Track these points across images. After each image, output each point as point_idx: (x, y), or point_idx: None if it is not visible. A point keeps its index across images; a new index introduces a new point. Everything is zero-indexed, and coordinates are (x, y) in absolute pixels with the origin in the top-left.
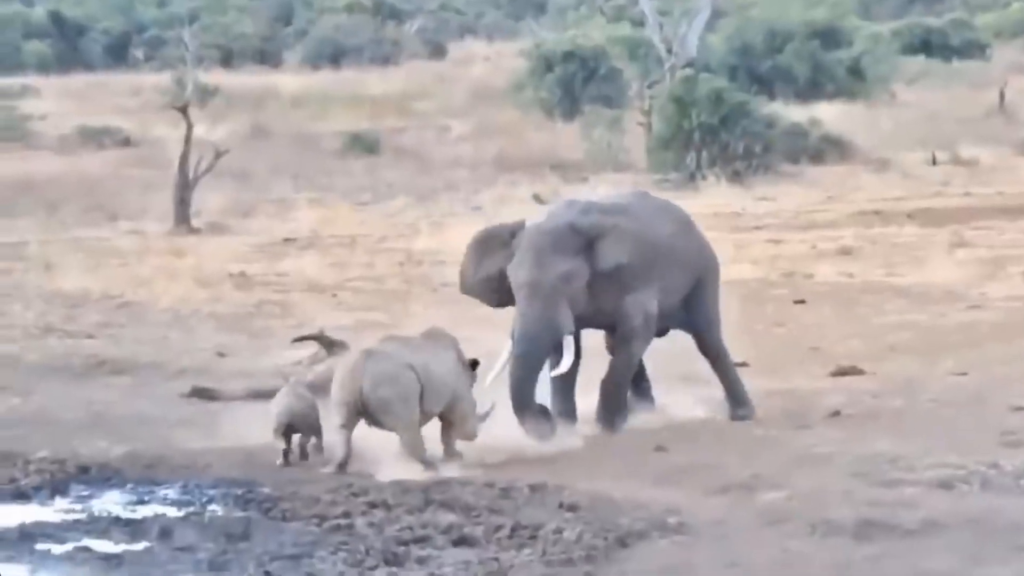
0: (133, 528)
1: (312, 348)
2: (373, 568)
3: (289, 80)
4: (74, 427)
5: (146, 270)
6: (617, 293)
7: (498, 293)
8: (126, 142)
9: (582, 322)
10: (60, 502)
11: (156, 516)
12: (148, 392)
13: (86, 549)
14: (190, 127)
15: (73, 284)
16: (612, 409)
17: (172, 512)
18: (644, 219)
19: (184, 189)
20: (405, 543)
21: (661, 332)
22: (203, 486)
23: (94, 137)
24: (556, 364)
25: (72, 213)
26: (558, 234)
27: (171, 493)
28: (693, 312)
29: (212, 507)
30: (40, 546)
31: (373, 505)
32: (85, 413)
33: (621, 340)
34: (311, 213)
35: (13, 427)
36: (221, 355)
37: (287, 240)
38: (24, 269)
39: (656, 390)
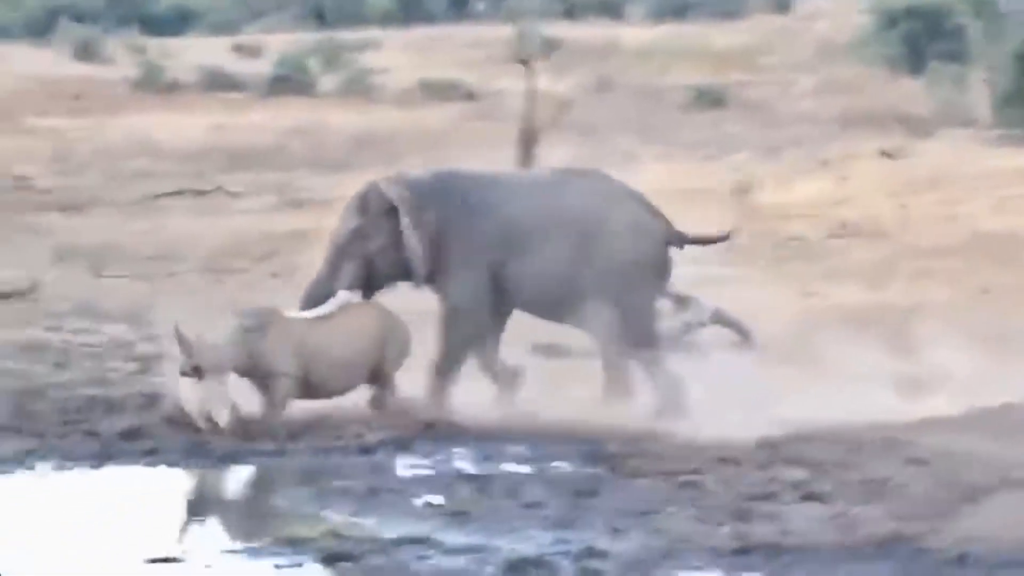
0: (480, 484)
1: (661, 303)
2: (721, 524)
3: (633, 33)
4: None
5: None
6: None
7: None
8: (469, 95)
9: None
10: (408, 458)
11: (504, 473)
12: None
13: (433, 504)
14: (534, 80)
15: None
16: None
17: (520, 469)
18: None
19: (528, 143)
20: (753, 499)
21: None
22: (551, 442)
23: (436, 91)
24: None
25: (414, 167)
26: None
27: (519, 450)
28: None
29: (559, 464)
30: (388, 501)
31: (722, 461)
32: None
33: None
34: (656, 166)
35: None
36: None
37: None
38: None
39: None
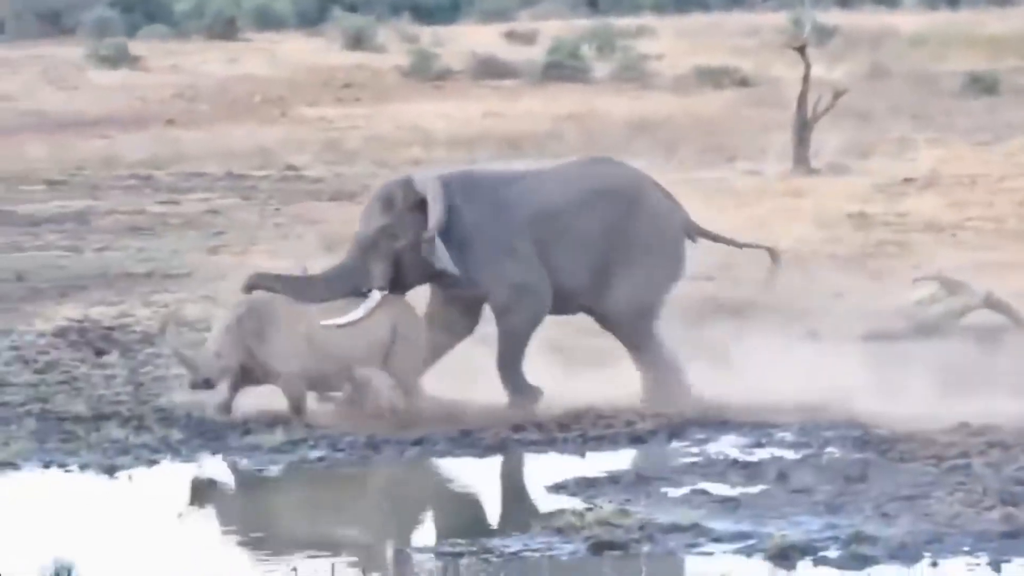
0: (750, 471)
1: (932, 288)
2: (990, 508)
3: (907, 20)
4: (691, 373)
5: (764, 211)
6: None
7: None
8: (743, 82)
9: None
10: (676, 445)
11: (773, 458)
12: (766, 334)
13: (703, 492)
14: (808, 67)
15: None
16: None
17: (789, 454)
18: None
19: (802, 129)
20: (1022, 483)
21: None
22: (820, 428)
23: (711, 77)
24: None
25: (689, 154)
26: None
27: (788, 436)
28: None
29: (829, 449)
30: (656, 489)
31: (991, 445)
32: (701, 356)
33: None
34: (930, 153)
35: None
36: (839, 296)
37: (906, 180)
38: None
39: None
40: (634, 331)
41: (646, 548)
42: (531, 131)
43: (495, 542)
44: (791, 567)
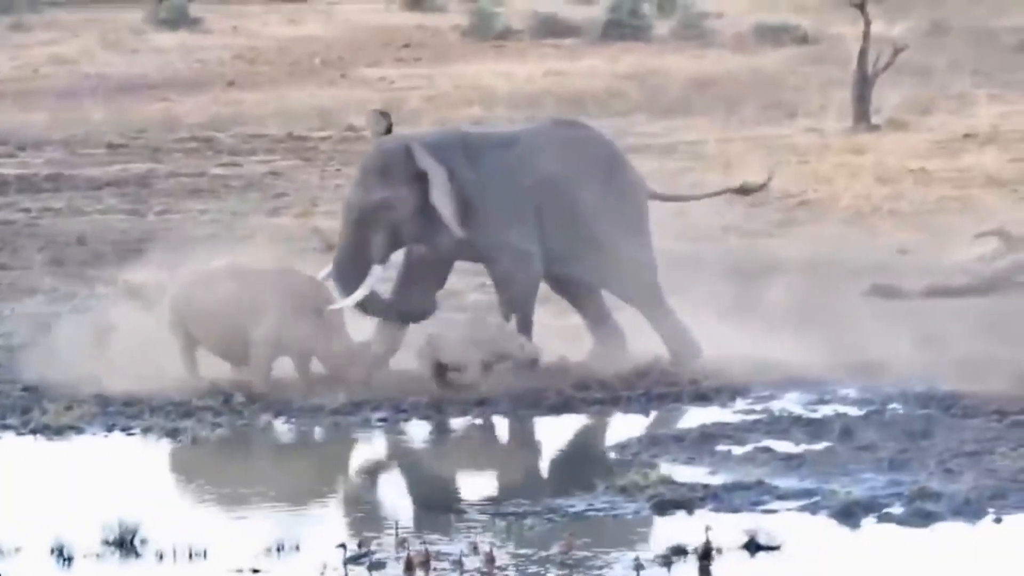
0: (814, 428)
1: (993, 244)
2: None
3: None
4: (754, 331)
5: (826, 168)
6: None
7: None
8: (803, 39)
9: None
10: (740, 403)
11: (837, 415)
12: (828, 290)
13: (766, 449)
14: (868, 23)
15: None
16: None
17: (853, 411)
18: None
19: (863, 86)
20: None
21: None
22: (883, 385)
23: (771, 35)
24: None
25: (750, 111)
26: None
27: (852, 392)
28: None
29: (892, 406)
30: (720, 447)
31: None
32: (762, 314)
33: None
34: (991, 109)
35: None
36: (902, 252)
37: (967, 136)
38: (703, 168)
39: None
40: (651, 296)
41: (710, 506)
42: (592, 89)
43: (559, 502)
44: (855, 524)
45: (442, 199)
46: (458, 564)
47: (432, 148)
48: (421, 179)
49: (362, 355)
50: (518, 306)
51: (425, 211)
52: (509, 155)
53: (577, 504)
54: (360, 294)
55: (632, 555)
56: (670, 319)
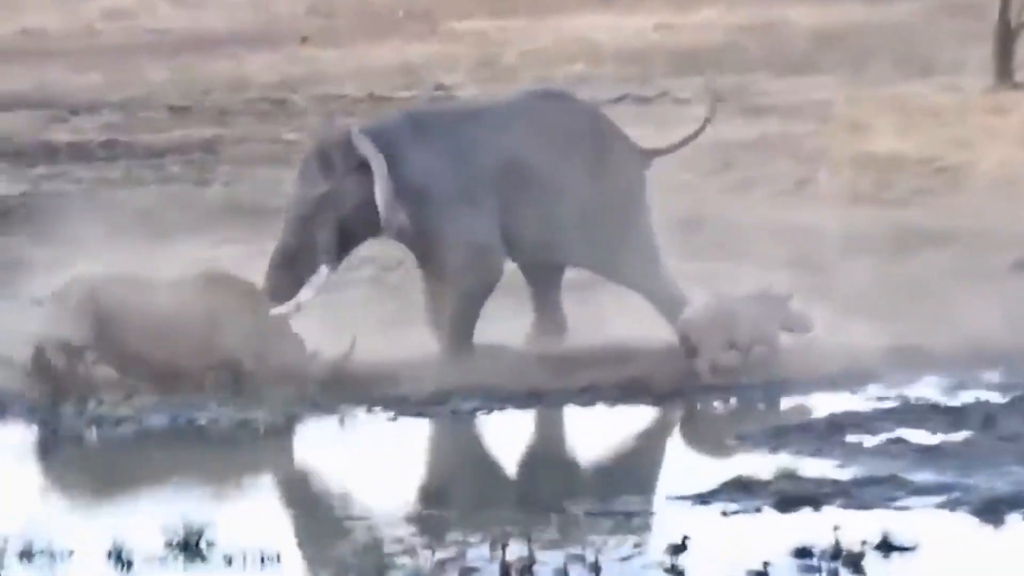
0: (953, 417)
1: None
2: None
3: None
4: (886, 311)
5: (965, 130)
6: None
7: None
8: None
9: None
10: (872, 390)
11: (978, 403)
12: (969, 265)
13: (900, 440)
14: None
15: (884, 146)
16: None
17: (995, 398)
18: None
19: (1006, 39)
20: None
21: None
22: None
23: None
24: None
25: (881, 68)
26: None
27: (994, 378)
28: None
29: None
30: (850, 438)
31: None
32: (899, 290)
33: None
34: None
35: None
36: None
37: None
38: (830, 130)
39: None
40: (650, 279)
41: (838, 503)
42: (707, 44)
43: (670, 498)
44: (999, 522)
45: (380, 189)
46: (562, 574)
47: (375, 134)
48: (365, 169)
49: (313, 360)
50: (463, 302)
51: (373, 204)
52: (465, 134)
53: (691, 501)
54: (305, 297)
55: (753, 556)
56: (669, 290)
